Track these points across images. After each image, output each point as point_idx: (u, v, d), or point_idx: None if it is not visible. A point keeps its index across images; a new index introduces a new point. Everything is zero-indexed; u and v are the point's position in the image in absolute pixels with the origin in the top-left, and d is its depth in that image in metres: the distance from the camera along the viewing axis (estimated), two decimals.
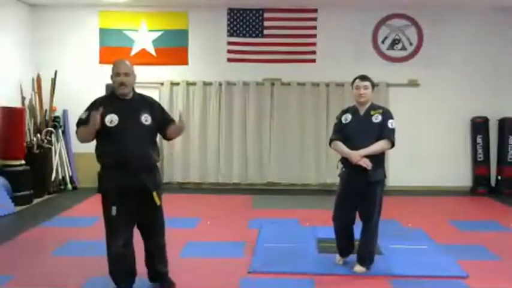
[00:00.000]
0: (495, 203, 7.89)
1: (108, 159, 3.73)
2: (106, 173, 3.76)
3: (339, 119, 4.54)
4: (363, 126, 4.38)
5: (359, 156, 4.26)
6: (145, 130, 3.75)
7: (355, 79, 4.47)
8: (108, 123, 3.67)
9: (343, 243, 4.63)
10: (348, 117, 4.46)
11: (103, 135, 3.69)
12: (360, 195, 4.38)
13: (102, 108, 3.63)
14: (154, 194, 3.72)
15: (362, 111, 4.43)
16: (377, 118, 4.37)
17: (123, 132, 3.66)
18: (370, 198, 4.38)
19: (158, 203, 3.76)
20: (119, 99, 3.79)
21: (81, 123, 3.77)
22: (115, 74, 3.75)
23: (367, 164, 4.25)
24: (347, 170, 4.44)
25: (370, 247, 4.49)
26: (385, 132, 4.34)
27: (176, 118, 3.93)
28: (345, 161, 4.43)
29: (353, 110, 4.49)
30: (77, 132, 3.83)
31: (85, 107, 3.88)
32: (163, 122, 3.89)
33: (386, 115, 4.40)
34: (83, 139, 3.80)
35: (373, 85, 4.47)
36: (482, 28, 8.72)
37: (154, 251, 3.90)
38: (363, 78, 4.44)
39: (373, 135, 4.33)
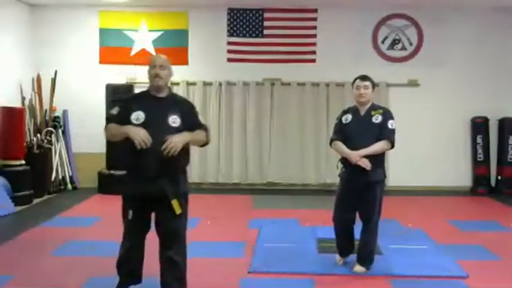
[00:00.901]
0: (495, 203, 7.89)
1: (129, 161, 3.54)
2: (127, 174, 3.63)
3: (339, 119, 4.54)
4: (363, 127, 4.38)
5: (358, 157, 4.27)
6: (172, 133, 3.45)
7: (355, 79, 4.47)
8: (134, 121, 3.47)
9: (343, 243, 4.63)
10: (348, 118, 4.47)
11: None
12: (359, 195, 4.38)
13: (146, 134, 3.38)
14: (174, 202, 3.48)
15: (362, 112, 4.44)
16: (377, 118, 4.38)
17: (148, 132, 3.41)
18: (370, 198, 4.38)
19: (178, 212, 3.51)
20: (151, 97, 3.61)
21: (111, 119, 3.58)
22: (151, 67, 3.57)
23: (366, 164, 4.25)
24: (347, 170, 4.44)
25: (370, 247, 4.49)
26: (385, 133, 4.35)
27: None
28: (344, 161, 4.43)
29: (353, 110, 4.49)
30: (106, 129, 3.61)
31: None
32: (190, 127, 3.57)
33: (387, 115, 4.40)
34: (112, 138, 3.64)
35: (374, 85, 4.47)
36: (482, 28, 8.72)
37: (165, 264, 3.63)
38: (363, 78, 4.44)
39: (373, 135, 4.33)
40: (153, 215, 3.68)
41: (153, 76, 3.55)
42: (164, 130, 3.44)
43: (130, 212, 3.55)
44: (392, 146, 4.40)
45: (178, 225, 3.60)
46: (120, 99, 3.68)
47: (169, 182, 3.48)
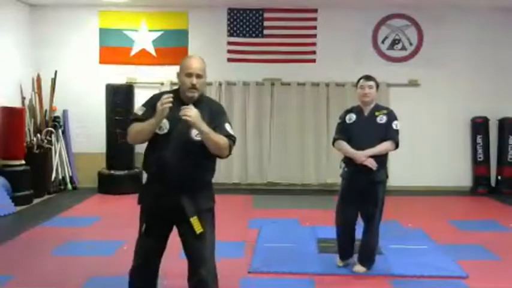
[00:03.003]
0: (495, 203, 7.88)
1: (149, 170, 3.21)
2: (147, 185, 3.26)
3: (342, 118, 4.53)
4: (368, 127, 4.38)
5: (364, 157, 4.27)
6: (194, 146, 3.08)
7: (359, 79, 4.48)
8: (157, 130, 3.09)
9: (345, 245, 4.61)
10: (352, 117, 4.47)
11: (151, 141, 3.14)
12: (362, 195, 4.39)
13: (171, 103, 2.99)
14: (193, 220, 3.13)
15: (366, 112, 4.44)
16: (382, 119, 4.39)
17: (169, 144, 3.08)
18: (372, 198, 4.38)
19: (198, 231, 3.16)
20: (179, 102, 3.08)
21: (136, 120, 3.15)
22: (186, 74, 3.09)
23: (372, 164, 4.26)
24: (349, 170, 4.44)
25: (372, 247, 4.49)
26: (390, 133, 4.36)
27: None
28: (348, 160, 4.43)
29: (357, 110, 4.49)
30: (128, 131, 3.17)
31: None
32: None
33: (391, 116, 4.42)
34: (136, 137, 3.15)
35: (378, 85, 4.48)
36: (482, 28, 8.71)
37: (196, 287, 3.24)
38: (368, 78, 4.45)
39: (377, 135, 4.34)
40: (173, 234, 3.32)
41: (188, 86, 3.09)
42: (187, 143, 3.08)
43: (144, 226, 3.21)
44: (397, 147, 4.42)
45: (202, 246, 3.21)
46: (150, 99, 3.26)
47: (189, 198, 3.15)
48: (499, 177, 8.68)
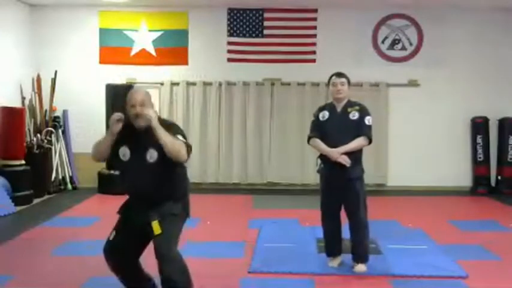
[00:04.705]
0: (495, 203, 7.88)
1: (125, 192, 3.62)
2: (127, 202, 3.62)
3: (316, 116, 4.58)
4: (341, 124, 4.43)
5: (338, 154, 4.31)
6: (150, 168, 3.38)
7: (331, 76, 4.54)
8: (121, 156, 3.46)
9: (332, 242, 4.62)
10: (325, 115, 4.51)
11: (118, 167, 3.58)
12: (341, 192, 4.44)
13: (121, 123, 3.37)
14: (154, 223, 3.36)
15: (339, 108, 4.49)
16: (354, 115, 4.43)
17: (132, 170, 3.45)
18: (352, 195, 4.43)
19: (156, 233, 3.35)
20: (133, 130, 3.41)
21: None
22: (130, 106, 3.37)
23: (346, 161, 4.31)
24: (326, 167, 4.48)
25: (364, 244, 4.50)
26: (362, 130, 4.39)
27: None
28: (324, 158, 4.47)
29: (330, 107, 4.55)
30: (92, 149, 3.62)
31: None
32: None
33: (364, 112, 4.46)
34: (96, 152, 3.56)
35: (349, 82, 4.53)
36: (482, 28, 8.72)
37: (163, 286, 3.42)
38: (339, 75, 4.51)
39: (350, 132, 4.39)
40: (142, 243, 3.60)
41: (134, 117, 3.36)
42: (144, 167, 3.38)
43: (114, 233, 3.52)
44: (370, 142, 4.46)
45: (163, 246, 3.37)
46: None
47: (157, 208, 3.42)
48: (499, 177, 8.68)
